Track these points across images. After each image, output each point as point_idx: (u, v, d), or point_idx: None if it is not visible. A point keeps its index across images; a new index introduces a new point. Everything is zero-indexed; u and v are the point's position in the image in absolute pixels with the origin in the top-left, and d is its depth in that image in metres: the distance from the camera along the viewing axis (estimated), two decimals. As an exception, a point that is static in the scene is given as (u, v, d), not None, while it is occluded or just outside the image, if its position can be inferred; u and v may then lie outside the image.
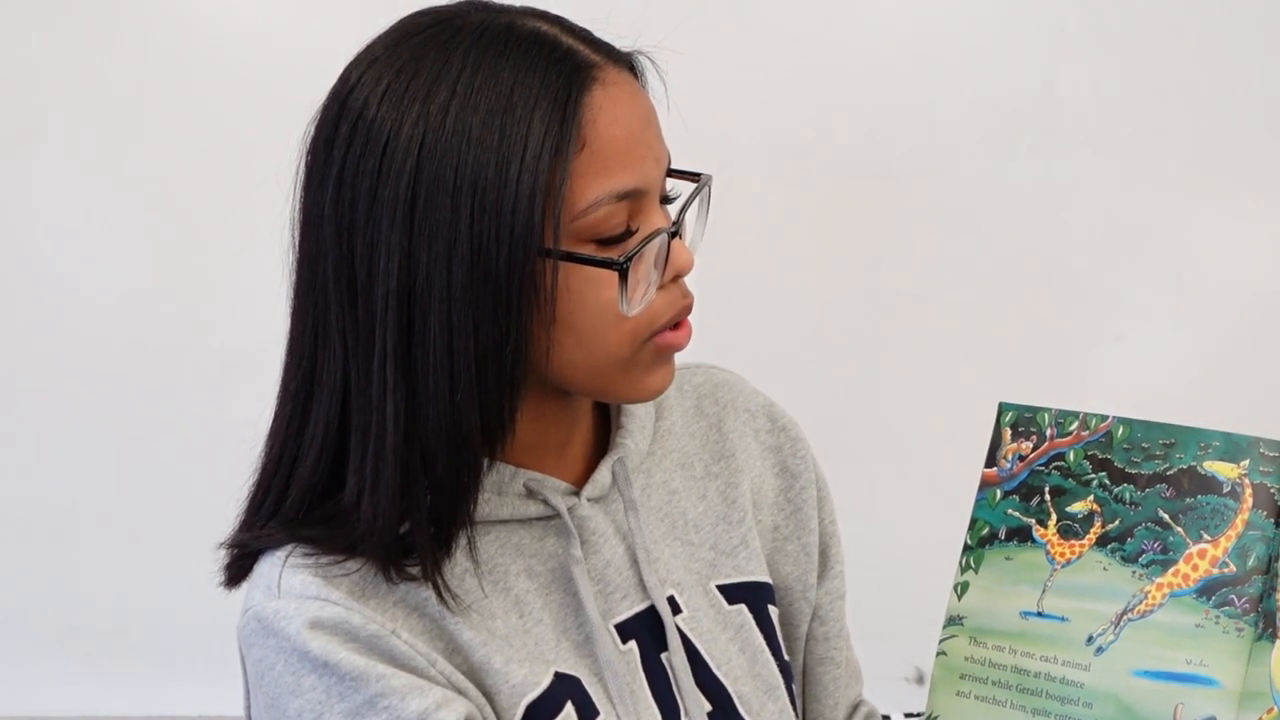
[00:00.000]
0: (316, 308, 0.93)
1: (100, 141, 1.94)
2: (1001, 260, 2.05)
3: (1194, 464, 0.93)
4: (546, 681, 0.94)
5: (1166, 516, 0.93)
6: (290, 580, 0.92)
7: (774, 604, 1.08)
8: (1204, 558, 0.91)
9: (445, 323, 0.88)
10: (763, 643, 1.05)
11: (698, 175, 0.98)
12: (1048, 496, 0.97)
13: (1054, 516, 0.96)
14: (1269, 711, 0.89)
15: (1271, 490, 0.91)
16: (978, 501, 0.99)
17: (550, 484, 0.99)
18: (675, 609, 1.02)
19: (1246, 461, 0.91)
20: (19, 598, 1.97)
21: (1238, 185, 2.05)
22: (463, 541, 0.95)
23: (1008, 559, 0.97)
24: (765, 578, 1.08)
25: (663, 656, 1.00)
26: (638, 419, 1.06)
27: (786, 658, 1.08)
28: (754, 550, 1.08)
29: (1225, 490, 0.92)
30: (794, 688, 1.08)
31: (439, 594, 0.93)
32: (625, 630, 1.00)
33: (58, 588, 1.97)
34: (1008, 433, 0.99)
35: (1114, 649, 0.92)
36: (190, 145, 1.94)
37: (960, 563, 0.99)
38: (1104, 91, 2.02)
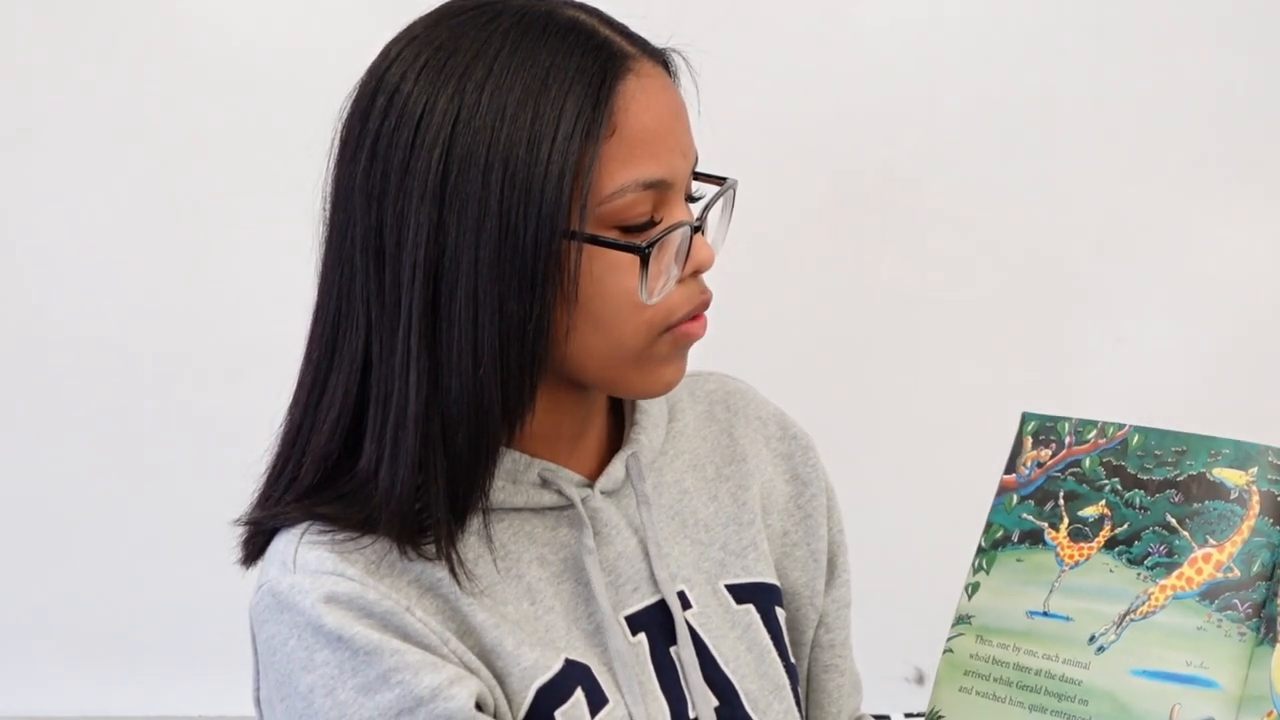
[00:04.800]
0: (342, 277, 0.94)
1: (100, 140, 1.94)
2: (1001, 260, 2.05)
3: (1204, 470, 0.94)
4: (557, 666, 0.95)
5: (1174, 521, 0.94)
6: (305, 556, 0.93)
7: (781, 606, 1.09)
8: (1208, 562, 0.92)
9: (471, 297, 0.89)
10: (770, 643, 1.06)
11: (724, 179, 0.99)
12: (1061, 501, 0.98)
13: (1066, 520, 0.97)
14: (1269, 715, 0.89)
15: (1278, 497, 0.92)
16: (994, 506, 1.00)
17: (565, 475, 1.00)
18: (685, 604, 1.03)
19: (1255, 469, 0.92)
20: (19, 598, 1.97)
21: (1238, 185, 2.05)
22: (474, 525, 0.95)
23: (1019, 560, 0.98)
24: (773, 580, 1.09)
25: (671, 650, 1.01)
26: (652, 416, 1.07)
27: (793, 660, 1.08)
28: (763, 553, 1.09)
29: (1232, 496, 0.92)
30: (799, 690, 1.08)
31: (453, 570, 0.93)
32: (635, 622, 1.00)
33: (58, 588, 1.96)
34: (1029, 441, 1.01)
35: (1114, 648, 0.93)
36: (191, 144, 1.94)
37: (973, 564, 1.00)
38: (1104, 91, 2.02)
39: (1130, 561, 0.94)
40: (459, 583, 0.94)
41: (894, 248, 2.04)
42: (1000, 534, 1.00)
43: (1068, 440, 0.99)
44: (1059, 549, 0.97)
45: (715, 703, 1.01)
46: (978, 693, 0.97)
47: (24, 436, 1.96)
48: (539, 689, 0.94)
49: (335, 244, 0.95)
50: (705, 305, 0.98)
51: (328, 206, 0.96)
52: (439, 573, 0.94)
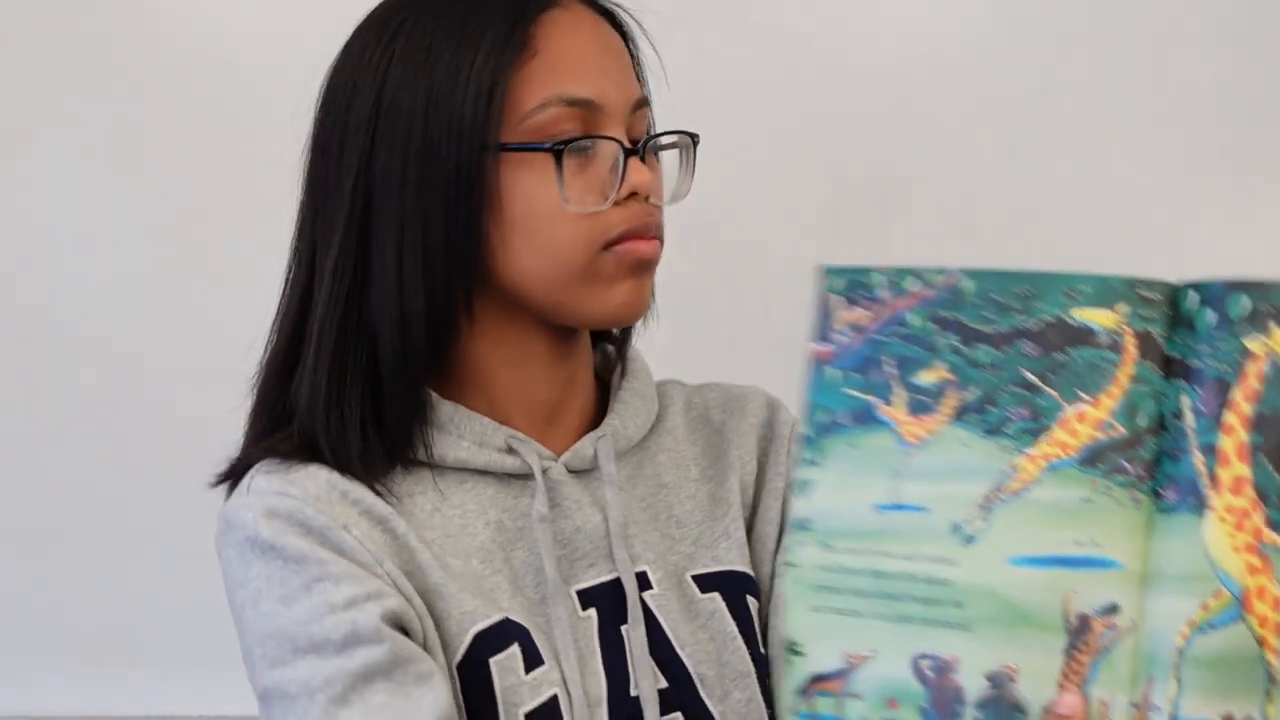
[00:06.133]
0: (301, 234, 1.01)
1: (99, 139, 1.94)
2: (1002, 260, 2.04)
3: (1061, 314, 0.79)
4: (497, 618, 0.96)
5: (1033, 377, 0.79)
6: (258, 481, 0.97)
7: (754, 596, 1.09)
8: (1084, 421, 0.78)
9: (397, 215, 0.95)
10: (735, 631, 1.05)
11: (679, 133, 1.03)
12: (890, 368, 0.82)
13: (900, 390, 0.81)
14: (1216, 595, 0.76)
15: (1157, 337, 0.78)
16: (810, 383, 0.85)
17: (532, 445, 1.01)
18: (645, 585, 1.03)
19: (1124, 306, 0.78)
20: (19, 598, 1.97)
21: (1238, 185, 2.05)
22: (429, 478, 0.99)
23: (852, 446, 0.82)
24: (745, 568, 1.09)
25: (622, 629, 1.01)
26: (632, 407, 1.08)
27: (764, 650, 1.08)
28: (735, 541, 1.09)
29: (1102, 341, 0.78)
30: (771, 681, 1.08)
31: (375, 489, 0.96)
32: (586, 597, 1.01)
33: (58, 587, 1.96)
34: (836, 301, 0.85)
35: (985, 537, 0.78)
36: (190, 143, 1.94)
37: (801, 457, 0.83)
38: (1104, 91, 2.02)
39: (988, 431, 0.79)
40: (383, 497, 0.96)
41: (894, 248, 2.04)
42: (825, 417, 0.83)
43: (884, 296, 0.83)
44: (897, 426, 0.81)
45: (663, 684, 1.01)
46: (834, 610, 0.81)
47: (23, 435, 1.96)
48: (477, 634, 0.95)
49: (302, 208, 1.02)
50: (649, 227, 1.01)
51: (301, 192, 1.03)
52: (388, 509, 0.95)
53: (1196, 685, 0.75)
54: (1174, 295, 0.78)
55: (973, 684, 0.77)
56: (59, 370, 1.96)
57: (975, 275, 0.81)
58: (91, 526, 1.96)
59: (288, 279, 1.02)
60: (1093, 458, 0.77)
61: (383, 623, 0.90)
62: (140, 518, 1.95)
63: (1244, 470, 0.76)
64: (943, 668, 0.78)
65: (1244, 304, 0.76)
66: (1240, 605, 0.76)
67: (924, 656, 0.78)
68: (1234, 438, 0.76)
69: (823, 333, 0.85)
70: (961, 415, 0.79)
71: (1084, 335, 0.78)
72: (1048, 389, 0.78)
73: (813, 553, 0.82)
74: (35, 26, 1.94)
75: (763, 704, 1.05)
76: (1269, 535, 0.76)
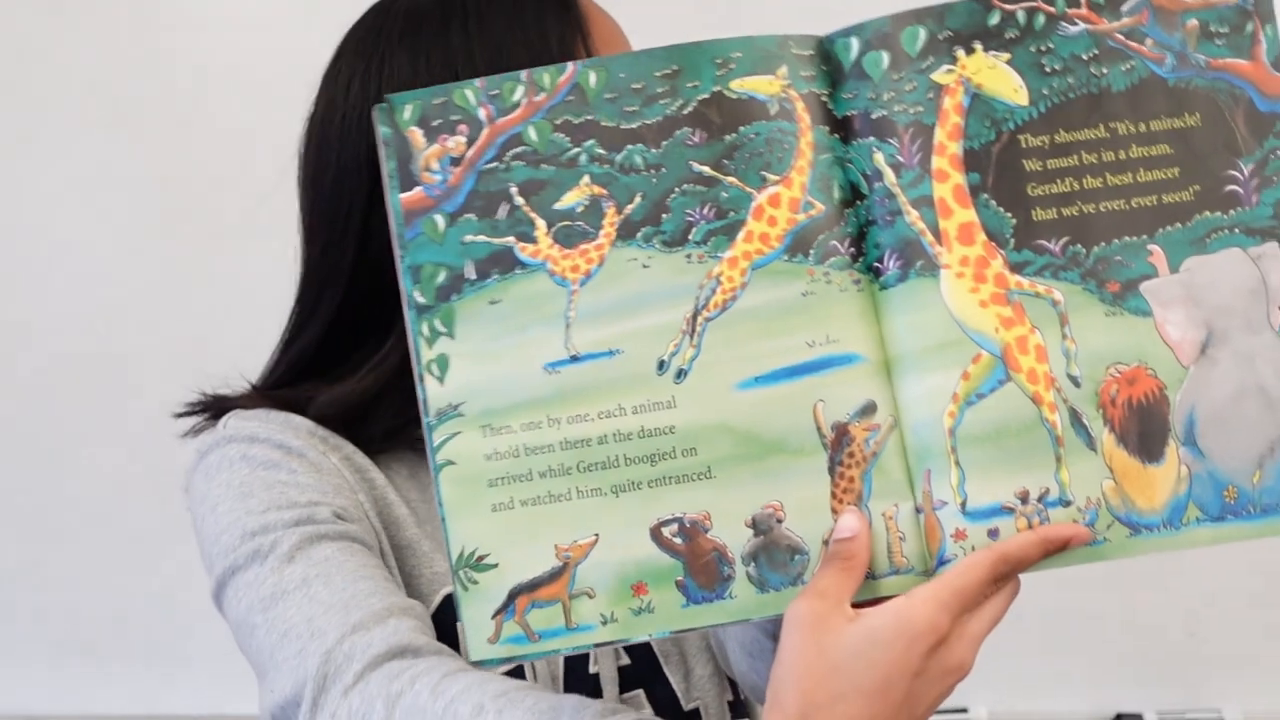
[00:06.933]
0: (326, 232, 0.95)
1: (98, 141, 1.95)
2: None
3: (718, 89, 0.68)
4: None
5: (706, 169, 0.67)
6: (233, 421, 0.93)
7: None
8: (779, 204, 0.67)
9: None
10: None
11: None
12: (519, 199, 0.69)
13: (541, 223, 0.69)
14: (975, 360, 0.66)
15: (823, 99, 0.68)
16: (408, 242, 0.69)
17: None
18: None
19: (784, 69, 0.68)
20: (19, 597, 1.97)
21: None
22: (404, 451, 0.96)
23: (494, 303, 0.68)
24: None
25: None
26: None
27: None
28: None
29: (773, 112, 0.67)
30: (732, 656, 1.09)
31: (359, 440, 0.93)
32: None
33: (58, 587, 1.97)
34: (417, 135, 0.70)
35: (699, 366, 0.67)
36: (189, 145, 1.94)
37: (419, 334, 0.69)
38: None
39: (668, 244, 0.67)
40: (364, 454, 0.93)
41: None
42: (444, 277, 0.69)
43: (483, 114, 0.69)
44: (550, 265, 0.68)
45: (625, 661, 1.01)
46: (522, 502, 0.67)
47: (23, 436, 1.96)
48: (447, 595, 0.94)
49: (326, 205, 0.96)
50: None
51: (327, 189, 0.97)
52: (368, 462, 0.94)
53: (979, 464, 0.66)
54: (824, 48, 0.69)
55: (734, 537, 0.66)
56: (59, 371, 1.96)
57: (600, 66, 0.68)
58: (92, 527, 1.96)
59: (316, 272, 1.01)
60: (799, 244, 0.67)
61: (337, 519, 0.91)
62: (141, 518, 1.95)
63: (969, 215, 0.67)
64: (692, 529, 0.67)
65: (920, 36, 0.67)
66: (1003, 364, 0.66)
67: (665, 522, 0.67)
68: (949, 183, 0.67)
69: (407, 177, 0.69)
70: (629, 233, 0.68)
71: (751, 109, 0.67)
72: (727, 178, 0.67)
73: (472, 442, 0.68)
74: (36, 26, 1.95)
75: (724, 677, 1.06)
76: (1014, 280, 0.67)
